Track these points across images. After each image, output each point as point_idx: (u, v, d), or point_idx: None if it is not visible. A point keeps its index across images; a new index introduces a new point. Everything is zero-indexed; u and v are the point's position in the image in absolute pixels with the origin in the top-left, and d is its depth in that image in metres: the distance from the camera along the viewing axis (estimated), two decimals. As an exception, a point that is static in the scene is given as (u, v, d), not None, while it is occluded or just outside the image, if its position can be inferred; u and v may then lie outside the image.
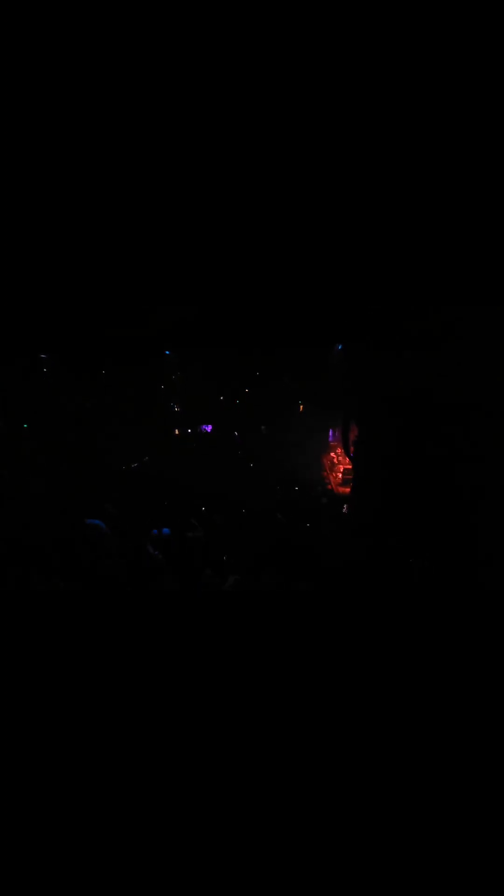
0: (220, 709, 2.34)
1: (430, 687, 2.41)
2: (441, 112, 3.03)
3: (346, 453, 9.23)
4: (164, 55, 2.84)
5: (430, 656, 2.58)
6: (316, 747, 2.18)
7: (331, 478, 12.15)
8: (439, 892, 1.75)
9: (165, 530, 5.15)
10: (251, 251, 4.83)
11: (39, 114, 3.16)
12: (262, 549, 4.70)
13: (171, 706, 2.36)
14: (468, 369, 4.76)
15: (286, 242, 4.63)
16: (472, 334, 4.68)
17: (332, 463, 13.21)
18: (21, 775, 2.09)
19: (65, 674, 2.54)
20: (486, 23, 2.57)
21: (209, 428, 14.81)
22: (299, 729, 2.26)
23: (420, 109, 3.02)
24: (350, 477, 9.35)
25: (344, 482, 11.04)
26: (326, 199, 3.94)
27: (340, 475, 11.71)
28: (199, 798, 2.01)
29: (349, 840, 1.87)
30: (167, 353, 13.59)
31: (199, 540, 5.13)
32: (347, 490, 9.72)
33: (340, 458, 12.91)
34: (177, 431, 14.24)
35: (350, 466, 9.82)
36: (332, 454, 13.71)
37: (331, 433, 14.21)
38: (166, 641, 2.73)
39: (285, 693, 2.41)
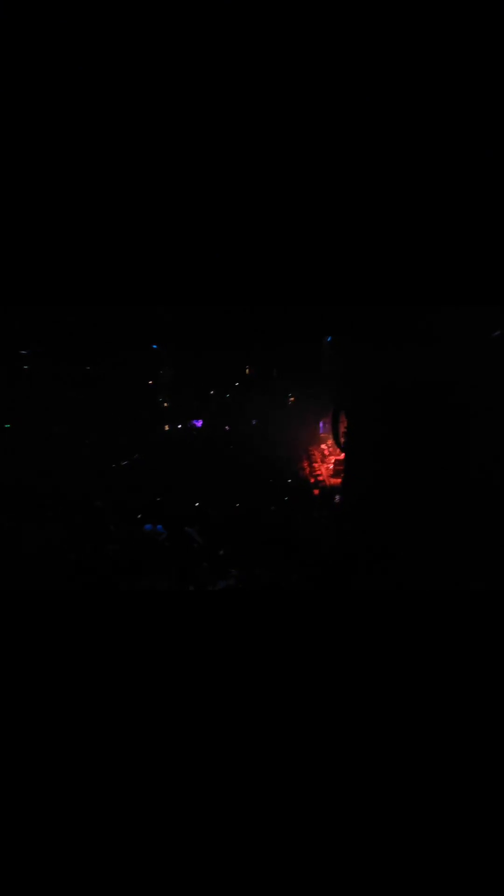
0: (219, 707, 2.35)
1: (430, 684, 2.43)
2: (440, 113, 3.02)
3: (337, 444, 9.26)
4: (163, 55, 2.81)
5: (428, 654, 2.60)
6: (314, 745, 2.20)
7: (322, 469, 12.19)
8: (438, 891, 1.76)
9: (159, 527, 5.12)
10: (249, 250, 4.82)
11: (41, 115, 3.13)
12: (257, 543, 4.70)
13: (171, 704, 2.37)
14: (460, 362, 4.78)
15: (284, 241, 4.62)
16: (466, 328, 4.70)
17: (323, 454, 13.25)
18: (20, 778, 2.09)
19: (64, 671, 2.53)
20: (484, 24, 2.56)
21: (199, 423, 14.77)
22: (298, 726, 2.27)
23: (419, 111, 3.02)
24: (341, 468, 9.39)
25: (335, 473, 11.09)
26: (325, 199, 3.93)
27: (332, 466, 11.76)
28: (196, 795, 2.01)
29: (348, 836, 1.89)
30: (154, 347, 13.49)
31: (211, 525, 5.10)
32: (338, 481, 9.76)
33: (331, 450, 12.95)
34: (167, 427, 14.19)
35: (341, 458, 9.85)
36: (323, 446, 13.76)
37: (321, 425, 14.26)
38: (164, 639, 2.73)
39: (284, 689, 2.42)
